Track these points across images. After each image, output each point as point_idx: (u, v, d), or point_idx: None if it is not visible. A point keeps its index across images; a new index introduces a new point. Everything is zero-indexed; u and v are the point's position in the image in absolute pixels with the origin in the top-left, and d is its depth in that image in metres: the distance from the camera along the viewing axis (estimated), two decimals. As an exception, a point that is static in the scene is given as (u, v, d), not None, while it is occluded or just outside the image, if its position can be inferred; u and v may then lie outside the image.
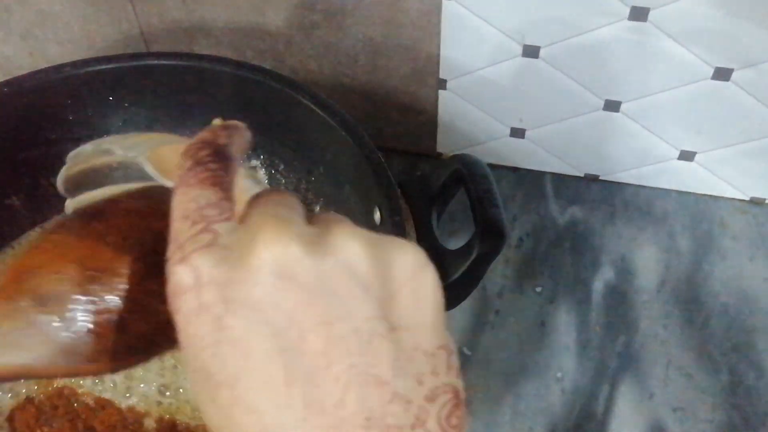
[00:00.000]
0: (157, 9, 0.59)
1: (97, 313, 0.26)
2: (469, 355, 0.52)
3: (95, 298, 0.26)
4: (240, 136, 0.26)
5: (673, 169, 0.58)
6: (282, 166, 0.51)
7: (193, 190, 0.23)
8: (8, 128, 0.48)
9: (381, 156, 0.41)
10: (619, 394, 0.51)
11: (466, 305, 0.53)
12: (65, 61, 0.64)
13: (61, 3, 0.60)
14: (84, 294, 0.26)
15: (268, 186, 0.30)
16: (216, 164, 0.23)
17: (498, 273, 0.56)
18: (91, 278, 0.26)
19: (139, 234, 0.28)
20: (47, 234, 0.29)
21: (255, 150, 0.51)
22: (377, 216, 0.41)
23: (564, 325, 0.54)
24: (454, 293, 0.38)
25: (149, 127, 0.52)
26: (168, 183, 0.27)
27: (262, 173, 0.51)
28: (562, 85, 0.55)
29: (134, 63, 0.48)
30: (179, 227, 0.22)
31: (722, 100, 0.52)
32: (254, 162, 0.51)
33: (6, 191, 0.49)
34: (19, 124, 0.48)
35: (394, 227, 0.38)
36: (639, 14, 0.49)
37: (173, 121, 0.51)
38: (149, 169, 0.27)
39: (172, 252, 0.22)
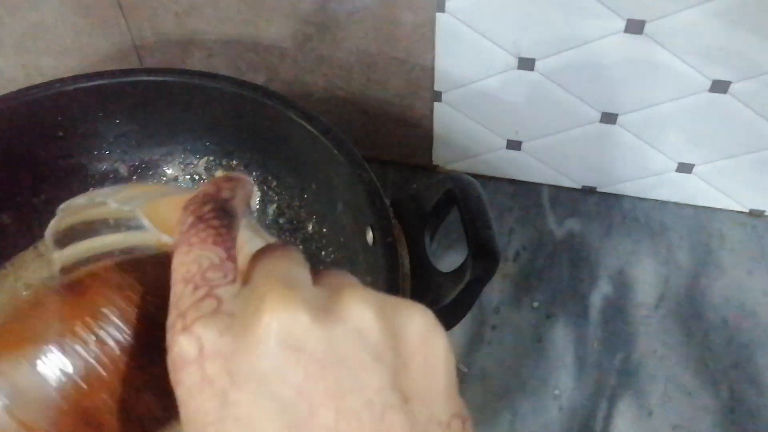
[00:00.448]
0: (150, 22, 0.58)
1: (65, 410, 0.23)
2: (466, 372, 0.52)
3: (65, 392, 0.23)
4: (244, 189, 0.25)
5: (672, 181, 0.58)
6: (275, 183, 0.50)
7: (195, 250, 0.22)
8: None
9: (374, 175, 0.40)
10: (617, 411, 0.50)
11: (463, 320, 0.53)
12: (58, 74, 0.63)
13: (53, 16, 0.60)
14: (52, 385, 0.23)
15: (266, 234, 0.28)
16: (219, 221, 0.22)
17: (495, 287, 0.56)
18: (62, 366, 0.24)
19: (123, 315, 0.25)
20: (16, 310, 0.26)
21: (248, 166, 0.50)
22: (370, 236, 0.41)
23: (562, 340, 0.53)
24: (446, 317, 0.37)
25: (140, 143, 0.51)
26: (165, 238, 0.25)
27: (254, 190, 0.50)
28: (558, 97, 0.54)
29: (125, 79, 0.48)
30: (180, 291, 0.21)
31: (720, 113, 0.52)
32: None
33: (-4, 209, 0.49)
34: (8, 141, 0.48)
35: (386, 248, 0.38)
36: (635, 27, 0.48)
37: (165, 138, 0.51)
38: (146, 222, 0.26)
39: (173, 320, 0.21)
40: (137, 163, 0.51)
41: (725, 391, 0.50)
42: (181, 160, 0.51)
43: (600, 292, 0.55)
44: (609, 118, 0.54)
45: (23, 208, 0.50)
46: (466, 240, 0.36)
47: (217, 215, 0.22)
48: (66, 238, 0.30)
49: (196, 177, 0.52)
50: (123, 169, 0.51)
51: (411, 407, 0.20)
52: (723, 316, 0.54)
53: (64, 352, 0.24)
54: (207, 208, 0.23)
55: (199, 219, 0.22)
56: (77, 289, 0.26)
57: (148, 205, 0.26)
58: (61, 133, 0.49)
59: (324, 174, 0.46)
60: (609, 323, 0.54)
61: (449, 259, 0.56)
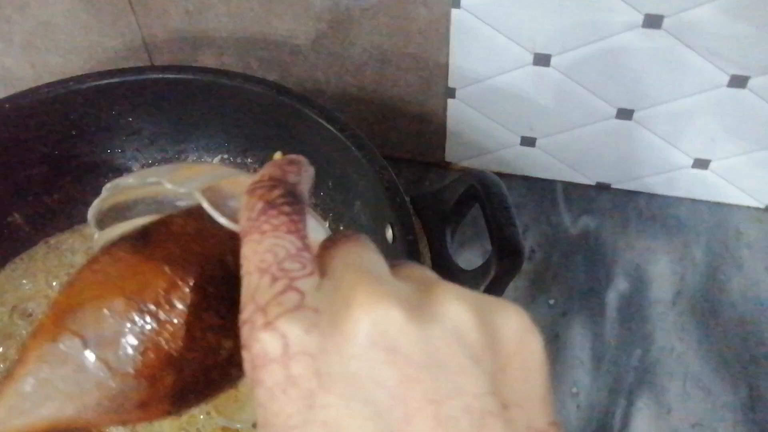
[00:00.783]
0: (161, 19, 0.58)
1: (150, 352, 0.23)
2: (482, 371, 0.51)
3: (149, 336, 0.24)
4: (308, 172, 0.23)
5: (688, 177, 0.57)
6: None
7: (267, 239, 0.20)
8: (10, 145, 0.47)
9: (393, 173, 0.40)
10: (635, 409, 0.49)
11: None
12: (67, 72, 0.63)
13: (62, 14, 0.59)
14: (136, 332, 0.23)
15: (323, 222, 0.27)
16: (290, 207, 0.21)
17: (510, 285, 0.55)
18: (143, 313, 0.24)
19: (195, 260, 0.25)
20: (91, 264, 0.25)
21: (263, 163, 0.50)
22: (389, 234, 0.40)
23: (578, 338, 0.53)
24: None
25: (153, 141, 0.51)
26: (228, 224, 0.23)
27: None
28: (573, 93, 0.54)
29: (137, 77, 0.47)
30: (256, 283, 0.20)
31: (738, 108, 0.51)
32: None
33: (8, 209, 0.48)
34: (21, 140, 0.47)
35: (407, 246, 0.37)
36: (653, 22, 0.48)
37: (178, 135, 0.50)
38: (206, 206, 0.23)
39: (251, 314, 0.19)
40: (151, 162, 0.51)
41: (744, 388, 0.50)
42: (195, 158, 0.51)
43: (616, 290, 0.55)
44: (625, 114, 0.54)
45: (36, 208, 0.49)
46: (488, 237, 0.36)
47: (288, 201, 0.21)
48: (108, 218, 0.29)
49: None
50: (136, 167, 0.51)
51: (510, 414, 0.19)
52: (740, 312, 0.53)
53: (143, 302, 0.24)
54: (276, 192, 0.21)
55: (270, 205, 0.21)
56: (147, 239, 0.26)
57: (206, 186, 0.25)
58: (74, 132, 0.49)
59: (341, 171, 0.45)
60: (626, 320, 0.53)
61: (466, 256, 0.56)
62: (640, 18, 0.48)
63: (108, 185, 0.27)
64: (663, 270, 0.56)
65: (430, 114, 0.59)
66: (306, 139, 0.46)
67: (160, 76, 0.47)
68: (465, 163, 0.62)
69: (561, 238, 0.58)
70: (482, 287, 0.35)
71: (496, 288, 0.36)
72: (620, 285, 0.55)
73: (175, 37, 0.59)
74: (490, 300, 0.20)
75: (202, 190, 0.24)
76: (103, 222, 0.29)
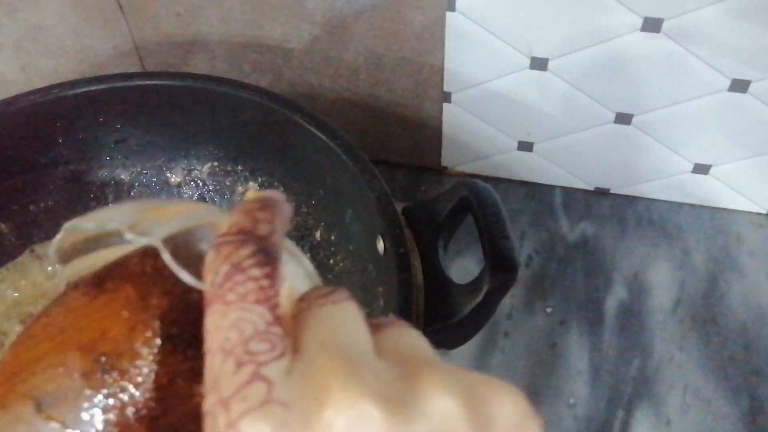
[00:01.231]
0: (152, 23, 0.57)
1: (116, 408, 0.21)
2: (478, 381, 0.50)
3: (111, 391, 0.21)
4: (282, 216, 0.21)
5: (688, 182, 0.56)
6: (281, 189, 0.49)
7: (233, 311, 0.18)
8: (-4, 153, 0.46)
9: (384, 183, 0.39)
10: (634, 421, 0.49)
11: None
12: (58, 76, 0.62)
13: (53, 17, 0.58)
14: (96, 388, 0.21)
15: (300, 254, 0.24)
16: (260, 269, 0.18)
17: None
18: (103, 366, 0.22)
19: (156, 301, 0.23)
20: (40, 318, 0.23)
21: (253, 171, 0.49)
22: (380, 245, 0.39)
23: (576, 347, 0.52)
24: (462, 331, 0.36)
25: (142, 149, 0.50)
26: (193, 282, 0.21)
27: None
28: (571, 97, 0.53)
29: (125, 83, 0.47)
30: (219, 367, 0.18)
31: (739, 112, 0.50)
32: (251, 184, 0.49)
33: (-5, 218, 0.48)
34: (5, 148, 0.46)
35: (398, 259, 0.36)
36: (653, 25, 0.47)
37: (167, 142, 0.49)
38: (167, 258, 0.21)
39: (213, 405, 0.17)
40: (139, 169, 0.50)
41: (745, 398, 0.49)
42: (184, 166, 0.50)
43: (615, 297, 0.54)
44: (624, 118, 0.53)
45: (22, 217, 0.48)
46: (481, 249, 0.35)
47: (258, 261, 0.18)
48: (70, 254, 0.28)
49: (200, 183, 0.50)
50: (124, 176, 0.50)
51: None
52: (742, 320, 0.52)
53: (101, 353, 0.22)
54: (245, 252, 0.19)
55: (237, 268, 0.18)
56: (101, 284, 0.24)
57: (172, 233, 0.23)
58: (60, 139, 0.48)
59: (332, 180, 0.44)
60: (624, 329, 0.53)
61: (459, 267, 0.55)
62: (640, 21, 0.47)
63: (67, 225, 0.25)
64: (662, 277, 0.55)
65: (425, 118, 0.58)
66: (297, 147, 0.45)
67: (148, 82, 0.46)
68: (461, 168, 0.61)
69: (559, 245, 0.57)
70: (474, 302, 0.35)
71: (488, 303, 0.35)
72: (619, 292, 0.54)
73: (166, 41, 0.58)
74: (483, 383, 0.19)
75: (167, 238, 0.22)
76: (67, 255, 0.27)
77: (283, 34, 0.55)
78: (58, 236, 0.25)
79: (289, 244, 0.24)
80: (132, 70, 0.59)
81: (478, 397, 0.18)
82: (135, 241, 0.22)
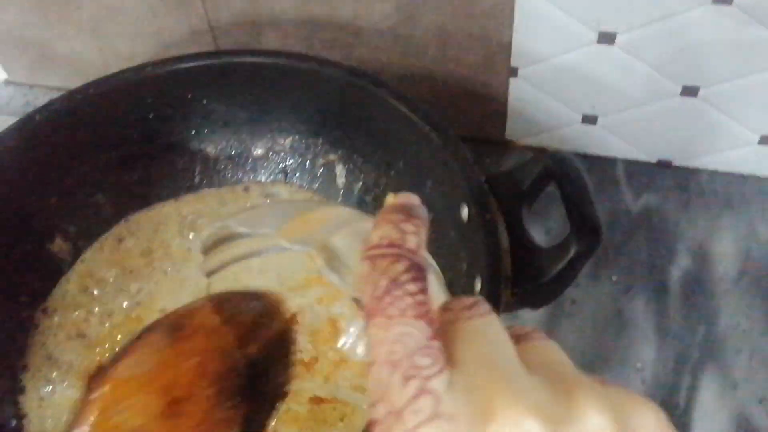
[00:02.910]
0: (226, 3, 0.59)
1: None
2: (547, 346, 0.52)
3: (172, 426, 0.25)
4: (425, 225, 0.22)
5: (753, 154, 0.57)
6: (361, 161, 0.51)
7: (395, 326, 0.19)
8: (93, 128, 0.49)
9: (468, 153, 0.40)
10: (701, 385, 0.50)
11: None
12: (134, 57, 0.65)
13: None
14: (163, 429, 0.25)
15: (430, 258, 0.26)
16: (416, 285, 0.19)
17: (573, 262, 0.56)
18: (172, 410, 0.25)
19: (215, 354, 0.26)
20: (134, 353, 0.28)
21: (334, 144, 0.51)
22: (465, 213, 0.41)
23: (642, 314, 0.53)
24: (548, 292, 0.38)
25: (226, 123, 0.52)
26: (351, 291, 0.23)
27: (340, 168, 0.51)
28: (637, 71, 0.54)
29: (213, 61, 0.49)
30: (388, 380, 0.18)
31: (807, 84, 0.51)
32: (332, 157, 0.51)
33: (91, 190, 0.51)
34: (102, 125, 0.49)
35: (485, 225, 0.38)
36: (724, -2, 0.47)
37: (251, 118, 0.52)
38: (324, 269, 0.23)
39: (384, 416, 0.18)
40: (224, 143, 0.53)
41: (811, 364, 0.50)
42: (267, 139, 0.52)
43: (679, 266, 0.55)
44: (690, 91, 0.54)
45: (116, 188, 0.51)
46: (568, 217, 0.37)
47: (413, 277, 0.19)
48: (210, 246, 0.31)
49: (282, 155, 0.53)
50: (210, 149, 0.53)
51: None
52: (806, 289, 0.53)
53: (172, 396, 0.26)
54: (400, 267, 0.20)
55: (394, 282, 0.19)
56: (178, 333, 0.27)
57: (321, 245, 0.24)
58: (151, 115, 0.50)
59: (412, 151, 0.46)
60: (690, 297, 0.54)
61: (537, 233, 0.56)
62: (710, -6, 0.47)
63: (218, 224, 0.29)
64: (727, 247, 0.56)
65: (491, 93, 0.59)
66: (378, 120, 0.47)
67: (234, 60, 0.49)
68: (525, 141, 0.63)
69: (622, 216, 0.58)
70: (561, 264, 0.36)
71: (573, 266, 0.37)
72: (683, 262, 0.56)
73: (239, 20, 0.60)
74: (627, 398, 0.20)
75: (318, 249, 0.24)
76: (208, 249, 0.31)
77: (353, 12, 0.57)
78: (207, 231, 0.29)
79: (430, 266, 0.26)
80: (206, 49, 0.62)
81: (625, 413, 0.19)
82: (292, 249, 0.24)
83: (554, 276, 0.36)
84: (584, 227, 0.36)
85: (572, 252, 0.36)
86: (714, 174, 0.60)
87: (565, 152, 0.39)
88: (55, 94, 0.50)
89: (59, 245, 0.49)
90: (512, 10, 0.52)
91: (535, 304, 0.39)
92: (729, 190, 0.59)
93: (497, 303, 0.36)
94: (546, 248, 0.38)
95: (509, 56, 0.56)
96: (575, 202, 0.37)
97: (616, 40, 0.52)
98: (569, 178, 0.37)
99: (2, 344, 0.45)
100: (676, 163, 0.60)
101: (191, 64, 0.49)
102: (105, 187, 0.50)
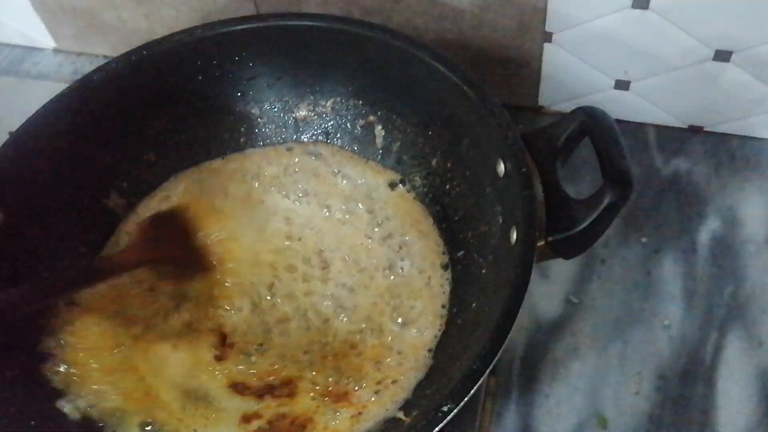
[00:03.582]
0: (268, -30, 0.61)
1: None
2: (577, 303, 0.54)
3: None
4: None
5: (784, 119, 0.58)
6: (399, 121, 0.53)
7: None
8: (146, 90, 0.51)
9: (505, 111, 0.42)
10: (727, 342, 0.51)
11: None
12: (179, 23, 0.67)
13: (175, -33, 0.63)
14: None
15: None
16: None
17: (603, 223, 0.57)
18: None
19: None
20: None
21: (373, 105, 0.53)
22: (501, 168, 0.43)
23: (670, 274, 0.55)
24: (581, 242, 0.40)
25: (270, 85, 0.54)
26: None
27: (379, 128, 0.53)
28: (671, 36, 0.55)
29: (258, 24, 0.51)
30: None
31: (841, 48, 0.52)
32: (371, 117, 0.53)
33: (143, 148, 0.53)
34: (152, 87, 0.52)
35: (521, 178, 0.40)
36: (758, -38, 0.48)
37: (294, 79, 0.54)
38: None
39: None
40: (268, 105, 0.55)
41: (837, 323, 0.51)
42: (309, 101, 0.54)
43: (708, 229, 0.57)
44: (723, 56, 0.55)
45: (166, 146, 0.54)
46: (600, 169, 0.38)
47: None
48: None
49: (324, 116, 0.55)
50: (255, 110, 0.55)
51: None
52: (834, 251, 0.54)
53: None
54: None
55: None
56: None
57: None
58: (200, 77, 0.53)
59: (449, 111, 0.48)
60: (718, 258, 0.55)
61: (570, 188, 0.58)
62: (745, -42, 0.48)
63: None
64: (756, 210, 0.57)
65: (525, 58, 0.61)
66: (417, 81, 0.49)
67: (280, 23, 0.50)
68: (557, 107, 0.64)
69: (653, 180, 0.59)
70: (595, 214, 0.38)
71: (606, 216, 0.38)
72: (712, 224, 0.57)
73: (280, -14, 0.62)
74: None
75: None
76: None
77: (392, -21, 0.58)
78: None
79: None
80: (263, 14, 0.64)
81: None
82: None
83: (587, 226, 0.38)
84: (616, 179, 0.37)
85: (605, 203, 0.37)
86: (745, 139, 0.60)
87: (594, 107, 0.40)
88: (103, 62, 0.52)
89: (114, 201, 0.52)
90: (548, -25, 0.54)
91: (567, 254, 0.41)
92: (759, 156, 0.59)
93: (531, 252, 0.38)
94: (579, 200, 0.40)
95: (544, 21, 0.57)
96: (608, 155, 0.38)
97: (650, 4, 0.53)
98: (603, 132, 0.39)
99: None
100: (708, 128, 0.61)
101: (239, 27, 0.51)
102: (156, 145, 0.53)
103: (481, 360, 0.35)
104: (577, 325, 0.53)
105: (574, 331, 0.53)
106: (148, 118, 0.52)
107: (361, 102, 0.53)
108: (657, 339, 0.52)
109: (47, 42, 0.74)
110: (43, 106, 0.49)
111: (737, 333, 0.52)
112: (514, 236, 0.40)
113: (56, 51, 0.74)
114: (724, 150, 0.60)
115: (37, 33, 0.73)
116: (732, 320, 0.52)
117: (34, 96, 0.50)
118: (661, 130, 0.62)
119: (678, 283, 0.54)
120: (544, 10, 0.56)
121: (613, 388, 0.50)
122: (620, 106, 0.62)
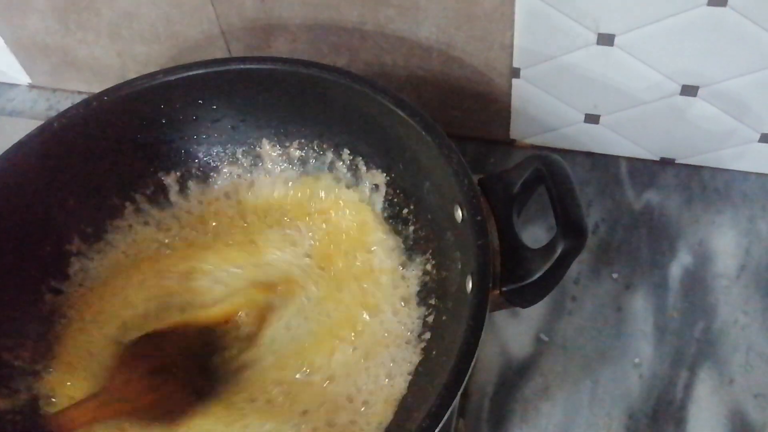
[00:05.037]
0: (237, 9, 0.61)
1: None
2: (547, 341, 0.54)
3: None
4: None
5: (754, 151, 0.58)
6: (363, 163, 0.53)
7: None
8: (107, 135, 0.51)
9: (461, 156, 0.42)
10: (698, 380, 0.51)
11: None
12: (150, 60, 0.67)
13: (146, 5, 0.63)
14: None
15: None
16: None
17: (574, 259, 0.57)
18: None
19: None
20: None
21: (337, 146, 0.53)
22: (458, 214, 0.43)
23: (641, 310, 0.54)
24: (536, 291, 0.39)
25: (234, 128, 0.54)
26: None
27: (344, 170, 0.53)
28: (638, 71, 0.55)
29: (222, 68, 0.51)
30: None
31: (807, 83, 0.51)
32: (335, 159, 0.53)
33: (107, 192, 0.53)
34: (116, 130, 0.52)
35: (476, 226, 0.40)
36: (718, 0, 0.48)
37: (257, 122, 0.54)
38: None
39: None
40: (233, 146, 0.55)
41: (808, 360, 0.51)
42: (274, 143, 0.54)
43: (680, 263, 0.56)
44: (690, 90, 0.55)
45: (130, 190, 0.54)
46: (554, 218, 0.38)
47: None
48: None
49: (288, 158, 0.55)
50: (221, 152, 0.55)
51: None
52: (806, 286, 0.54)
53: None
54: None
55: None
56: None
57: None
58: (163, 120, 0.52)
59: (411, 154, 0.48)
60: (689, 293, 0.55)
61: (530, 231, 0.58)
62: (706, -4, 0.48)
63: None
64: (727, 244, 0.57)
65: (495, 93, 0.60)
66: (378, 124, 0.48)
67: (241, 66, 0.50)
68: (529, 140, 0.64)
69: (625, 213, 0.59)
70: (548, 264, 0.38)
71: (560, 265, 0.38)
72: (684, 258, 0.56)
73: (250, 25, 0.62)
74: None
75: None
76: None
77: (359, 17, 0.58)
78: None
79: None
80: (219, 54, 0.64)
81: None
82: None
83: (541, 276, 0.38)
84: (570, 228, 0.37)
85: (558, 252, 0.37)
86: (716, 171, 0.60)
87: (554, 155, 0.40)
88: (77, 97, 0.52)
89: (77, 246, 0.52)
90: (512, 11, 0.54)
91: (523, 304, 0.40)
92: (731, 188, 0.59)
93: (485, 302, 0.37)
94: (534, 249, 0.39)
95: (511, 57, 0.57)
96: (561, 204, 0.38)
97: (615, 42, 0.53)
98: (556, 181, 0.38)
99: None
100: (679, 161, 0.61)
101: (202, 71, 0.51)
102: (120, 189, 0.53)
103: (430, 417, 0.34)
104: (547, 365, 0.53)
105: (544, 371, 0.52)
106: (111, 162, 0.52)
107: (325, 144, 0.53)
108: (627, 378, 0.52)
109: (22, 78, 0.74)
110: (6, 151, 0.49)
111: (708, 371, 0.51)
112: (469, 285, 0.39)
113: (31, 87, 0.75)
114: (696, 182, 0.60)
115: (11, 69, 0.73)
116: (703, 358, 0.52)
117: (8, 132, 0.50)
118: (633, 162, 0.62)
119: (649, 319, 0.54)
120: (511, 46, 0.56)
121: (583, 428, 0.50)
122: (591, 139, 0.62)
